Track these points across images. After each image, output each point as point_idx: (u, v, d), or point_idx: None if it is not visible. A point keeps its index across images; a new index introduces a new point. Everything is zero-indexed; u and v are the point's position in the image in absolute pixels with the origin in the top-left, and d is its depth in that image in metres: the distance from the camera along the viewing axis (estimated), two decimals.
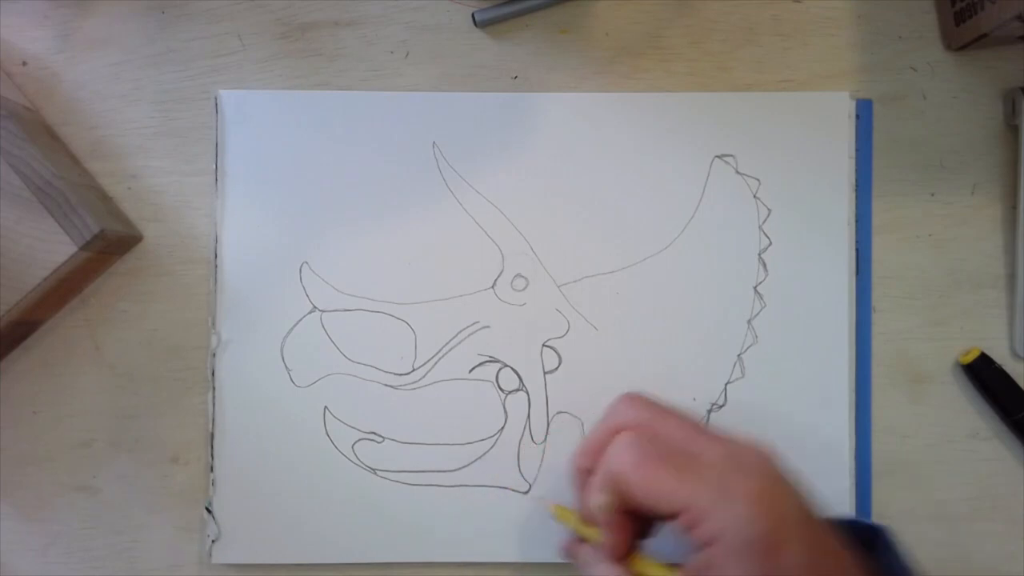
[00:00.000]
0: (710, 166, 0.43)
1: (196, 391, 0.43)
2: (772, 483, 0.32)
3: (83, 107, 0.44)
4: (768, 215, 0.43)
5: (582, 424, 0.43)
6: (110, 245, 0.41)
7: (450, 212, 0.43)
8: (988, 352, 0.43)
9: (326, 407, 0.43)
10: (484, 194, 0.43)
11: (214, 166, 0.43)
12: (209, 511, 0.42)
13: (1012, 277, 0.43)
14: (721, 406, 0.43)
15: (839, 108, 0.43)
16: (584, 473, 0.37)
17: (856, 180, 0.44)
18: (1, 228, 0.38)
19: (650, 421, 0.36)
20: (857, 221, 0.43)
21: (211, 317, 0.43)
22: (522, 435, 0.43)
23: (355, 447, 0.43)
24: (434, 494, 0.43)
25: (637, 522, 0.35)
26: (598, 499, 0.35)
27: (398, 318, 0.43)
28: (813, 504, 0.33)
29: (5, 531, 0.43)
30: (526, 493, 0.43)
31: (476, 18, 0.44)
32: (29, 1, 0.44)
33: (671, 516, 0.33)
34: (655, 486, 0.33)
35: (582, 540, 0.38)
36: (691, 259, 0.43)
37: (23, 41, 0.44)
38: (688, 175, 0.43)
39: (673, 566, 0.35)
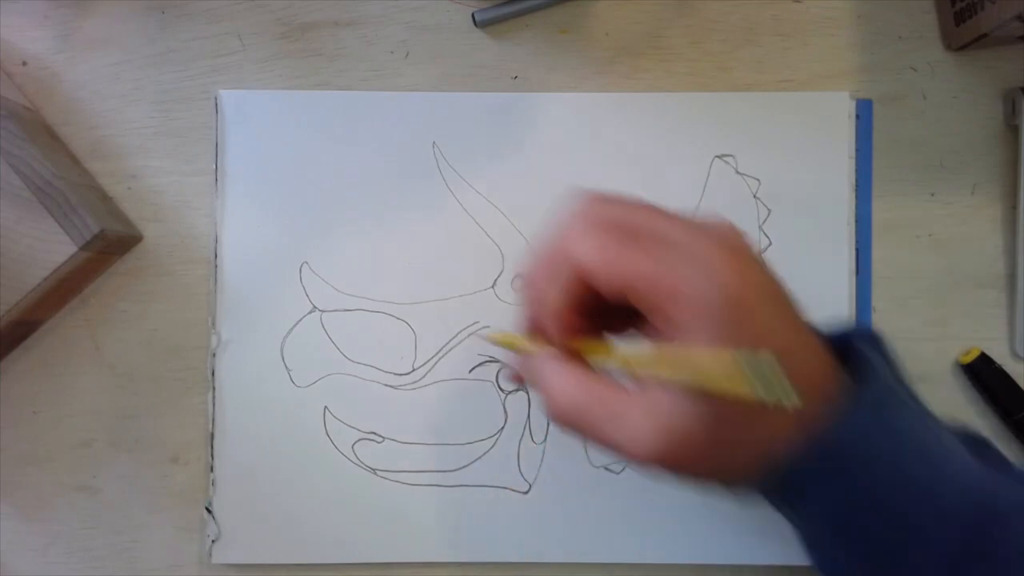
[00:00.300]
0: (710, 166, 0.43)
1: (196, 391, 0.43)
2: (742, 255, 0.30)
3: (83, 107, 0.44)
4: (768, 215, 0.43)
5: None
6: (110, 245, 0.41)
7: (450, 212, 0.43)
8: (988, 352, 0.43)
9: (326, 407, 0.43)
10: (484, 194, 0.43)
11: (214, 166, 0.43)
12: (209, 511, 0.42)
13: (1012, 277, 0.43)
14: None
15: (839, 108, 0.43)
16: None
17: (856, 180, 0.44)
18: (1, 228, 0.38)
19: (607, 209, 0.31)
20: (857, 221, 0.43)
21: (211, 317, 0.43)
22: (522, 435, 0.43)
23: (355, 447, 0.43)
24: (434, 494, 0.43)
25: (589, 325, 0.32)
26: (554, 295, 0.31)
27: (398, 318, 0.43)
28: (783, 284, 0.31)
29: (5, 531, 0.43)
30: (526, 493, 0.43)
31: (476, 18, 0.44)
32: (29, 1, 0.44)
33: (639, 298, 0.29)
34: (622, 266, 0.29)
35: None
36: None
37: (23, 41, 0.44)
38: (688, 175, 0.43)
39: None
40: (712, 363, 0.27)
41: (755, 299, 0.29)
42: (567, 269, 0.30)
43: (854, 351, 0.31)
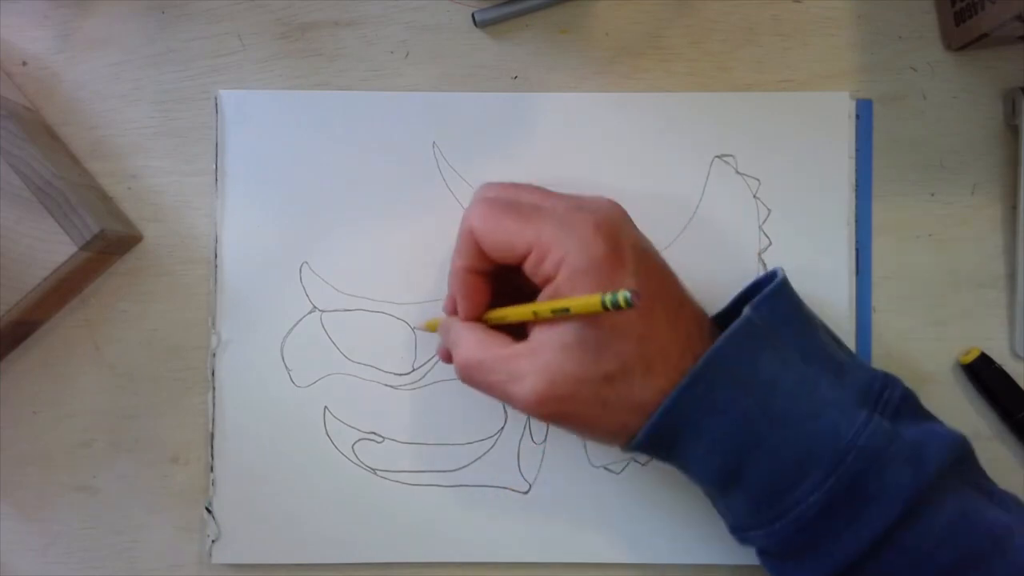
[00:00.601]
0: (710, 166, 0.43)
1: (196, 391, 0.43)
2: (611, 219, 0.35)
3: (83, 107, 0.44)
4: (768, 215, 0.43)
5: None
6: (110, 245, 0.41)
7: (450, 212, 0.43)
8: (988, 352, 0.43)
9: (326, 407, 0.43)
10: None
11: (214, 166, 0.43)
12: (209, 511, 0.42)
13: (1012, 277, 0.43)
14: None
15: (839, 108, 0.43)
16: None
17: (856, 180, 0.44)
18: (1, 228, 0.38)
19: (497, 190, 0.37)
20: (857, 221, 0.43)
21: (211, 317, 0.43)
22: (522, 435, 0.43)
23: (355, 447, 0.43)
24: (434, 494, 0.43)
25: (493, 291, 0.37)
26: (459, 263, 0.37)
27: (398, 318, 0.43)
28: (653, 249, 0.36)
29: (5, 531, 0.43)
30: (526, 493, 0.43)
31: (476, 18, 0.44)
32: (29, 1, 0.44)
33: (521, 259, 0.35)
34: (501, 230, 0.35)
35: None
36: (691, 259, 0.43)
37: (23, 41, 0.44)
38: (688, 175, 0.43)
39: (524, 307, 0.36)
40: (582, 300, 0.32)
41: (623, 258, 0.34)
42: (465, 236, 0.36)
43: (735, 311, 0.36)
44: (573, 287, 0.33)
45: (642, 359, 0.33)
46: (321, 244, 0.43)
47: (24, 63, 0.44)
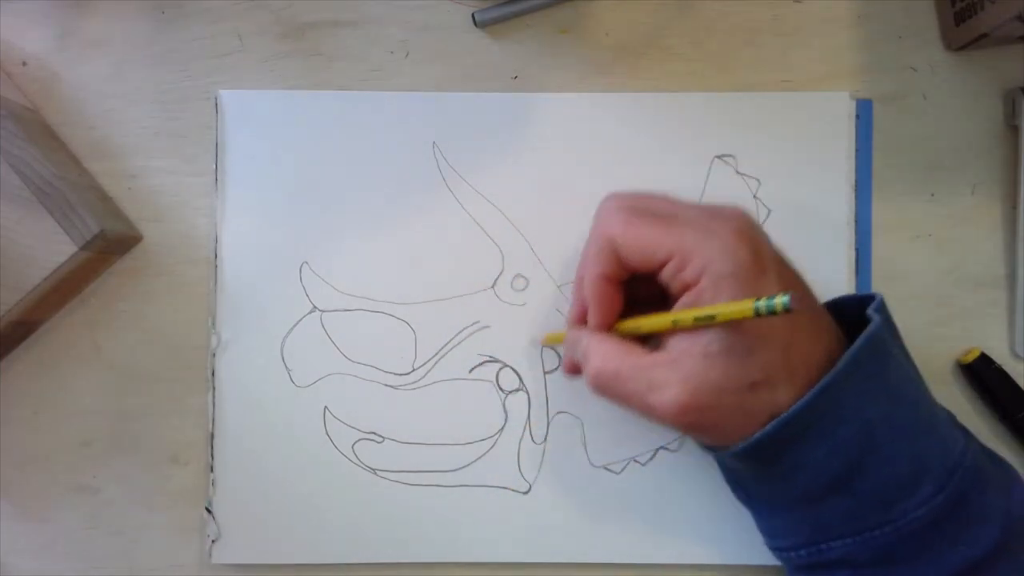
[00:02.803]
0: (710, 166, 0.43)
1: (196, 391, 0.43)
2: (751, 226, 0.35)
3: (83, 107, 0.44)
4: (768, 215, 0.43)
5: (582, 424, 0.43)
6: (110, 245, 0.41)
7: (450, 212, 0.43)
8: (988, 352, 0.43)
9: (326, 407, 0.43)
10: (484, 194, 0.43)
11: (214, 166, 0.43)
12: (209, 511, 0.42)
13: (1012, 277, 0.43)
14: None
15: (839, 108, 0.43)
16: (580, 289, 0.38)
17: (856, 180, 0.44)
18: (1, 228, 0.38)
19: (635, 202, 0.37)
20: (857, 221, 0.43)
21: (211, 317, 0.43)
22: (522, 435, 0.43)
23: (355, 447, 0.43)
24: (434, 494, 0.43)
25: (624, 302, 0.37)
26: (593, 270, 0.36)
27: (398, 318, 0.43)
28: (789, 263, 0.36)
29: (5, 531, 0.43)
30: (526, 493, 0.43)
31: (476, 18, 0.44)
32: (29, 1, 0.44)
33: (660, 266, 0.34)
34: (643, 238, 0.35)
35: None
36: None
37: (23, 41, 0.44)
38: (688, 175, 0.43)
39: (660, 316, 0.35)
40: (731, 306, 0.31)
41: (764, 265, 0.33)
42: (603, 244, 0.36)
43: (854, 318, 0.35)
44: (717, 294, 0.33)
45: (786, 367, 0.33)
46: (321, 244, 0.43)
47: (24, 63, 0.44)
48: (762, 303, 0.29)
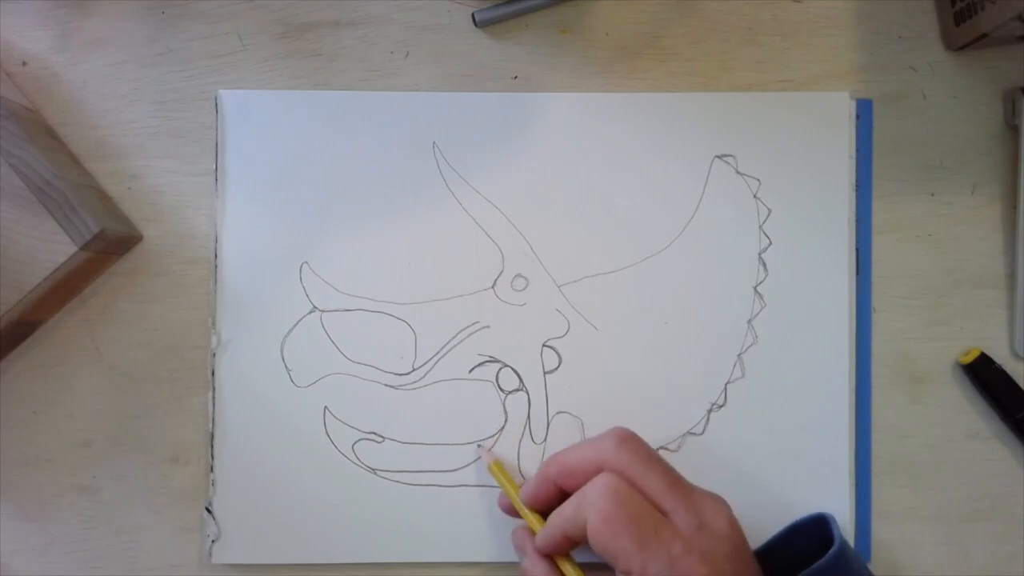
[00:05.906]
0: (710, 166, 0.43)
1: (196, 391, 0.43)
2: (723, 571, 0.35)
3: (83, 107, 0.44)
4: (768, 215, 0.43)
5: (582, 424, 0.43)
6: (110, 245, 0.41)
7: (450, 212, 0.43)
8: (988, 352, 0.43)
9: (326, 407, 0.43)
10: (484, 194, 0.43)
11: (214, 166, 0.43)
12: (209, 511, 0.42)
13: (1012, 277, 0.43)
14: (721, 406, 0.43)
15: (839, 108, 0.43)
16: (549, 483, 0.39)
17: (856, 180, 0.44)
18: (1, 228, 0.38)
19: (632, 468, 0.37)
20: (857, 221, 0.43)
21: (211, 317, 0.43)
22: (522, 435, 0.43)
23: (355, 447, 0.43)
24: (434, 494, 0.43)
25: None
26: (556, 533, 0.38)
27: (398, 318, 0.43)
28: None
29: (5, 531, 0.43)
30: None
31: (476, 18, 0.44)
32: (29, 1, 0.44)
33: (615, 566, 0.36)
34: (615, 545, 0.35)
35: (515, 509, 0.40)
36: (691, 259, 0.43)
37: (23, 41, 0.44)
38: (688, 175, 0.43)
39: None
40: None
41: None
42: (572, 522, 0.37)
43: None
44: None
45: None
46: (321, 244, 0.43)
47: (24, 63, 0.44)
48: None
